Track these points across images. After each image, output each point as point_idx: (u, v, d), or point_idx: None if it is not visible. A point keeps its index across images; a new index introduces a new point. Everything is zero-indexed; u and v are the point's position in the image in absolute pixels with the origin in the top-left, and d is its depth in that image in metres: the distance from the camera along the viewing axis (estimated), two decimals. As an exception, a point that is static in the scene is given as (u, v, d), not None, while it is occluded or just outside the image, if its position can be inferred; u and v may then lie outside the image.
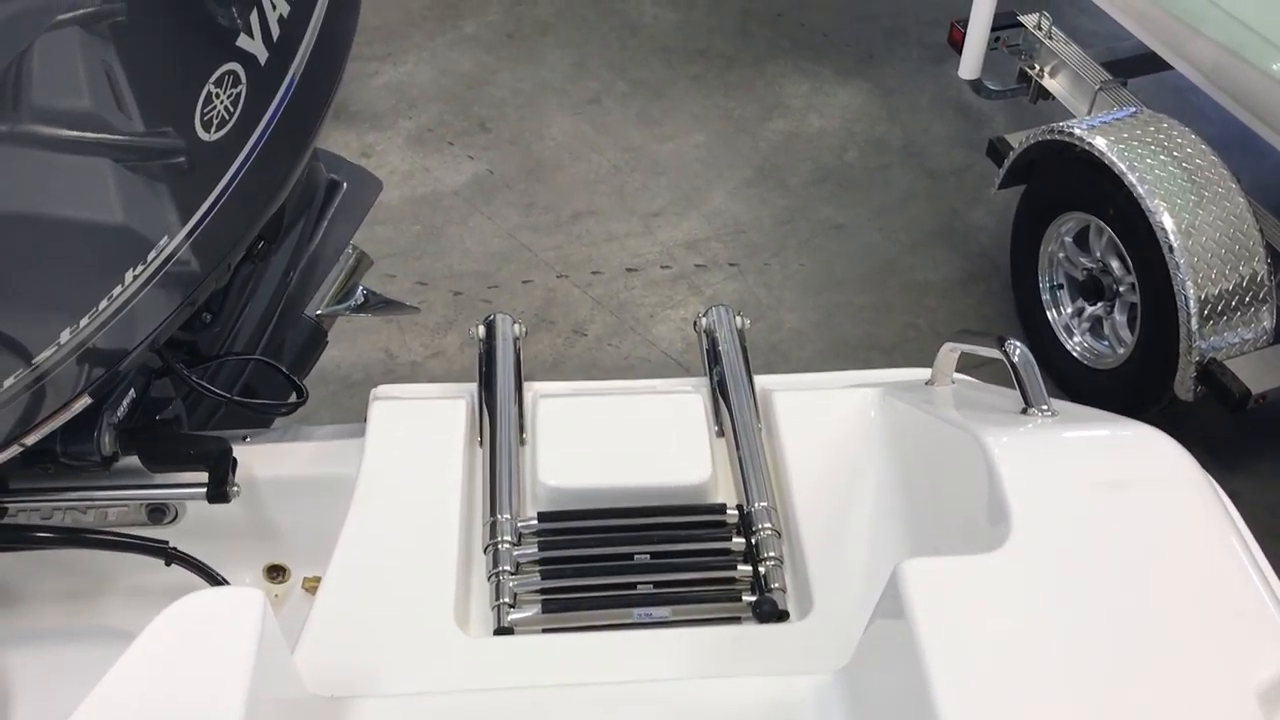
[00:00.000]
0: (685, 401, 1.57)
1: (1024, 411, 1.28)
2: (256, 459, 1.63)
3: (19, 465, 1.52)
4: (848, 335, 3.53)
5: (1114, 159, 2.91)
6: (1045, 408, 1.26)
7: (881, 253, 3.80)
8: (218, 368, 1.89)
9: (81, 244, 1.30)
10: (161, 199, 1.33)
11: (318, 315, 2.34)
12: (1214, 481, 1.18)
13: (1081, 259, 3.23)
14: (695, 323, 1.72)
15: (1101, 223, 3.08)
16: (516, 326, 1.68)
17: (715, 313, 1.70)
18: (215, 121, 1.34)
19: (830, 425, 1.53)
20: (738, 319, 1.69)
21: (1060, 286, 3.34)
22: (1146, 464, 1.17)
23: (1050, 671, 0.98)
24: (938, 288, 3.69)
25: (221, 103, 1.33)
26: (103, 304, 1.31)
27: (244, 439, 1.65)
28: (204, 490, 1.53)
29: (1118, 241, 3.03)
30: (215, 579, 1.56)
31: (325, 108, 1.58)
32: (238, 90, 1.37)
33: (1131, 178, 2.87)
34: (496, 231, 3.86)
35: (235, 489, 1.54)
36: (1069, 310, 3.34)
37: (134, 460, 1.59)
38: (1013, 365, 1.28)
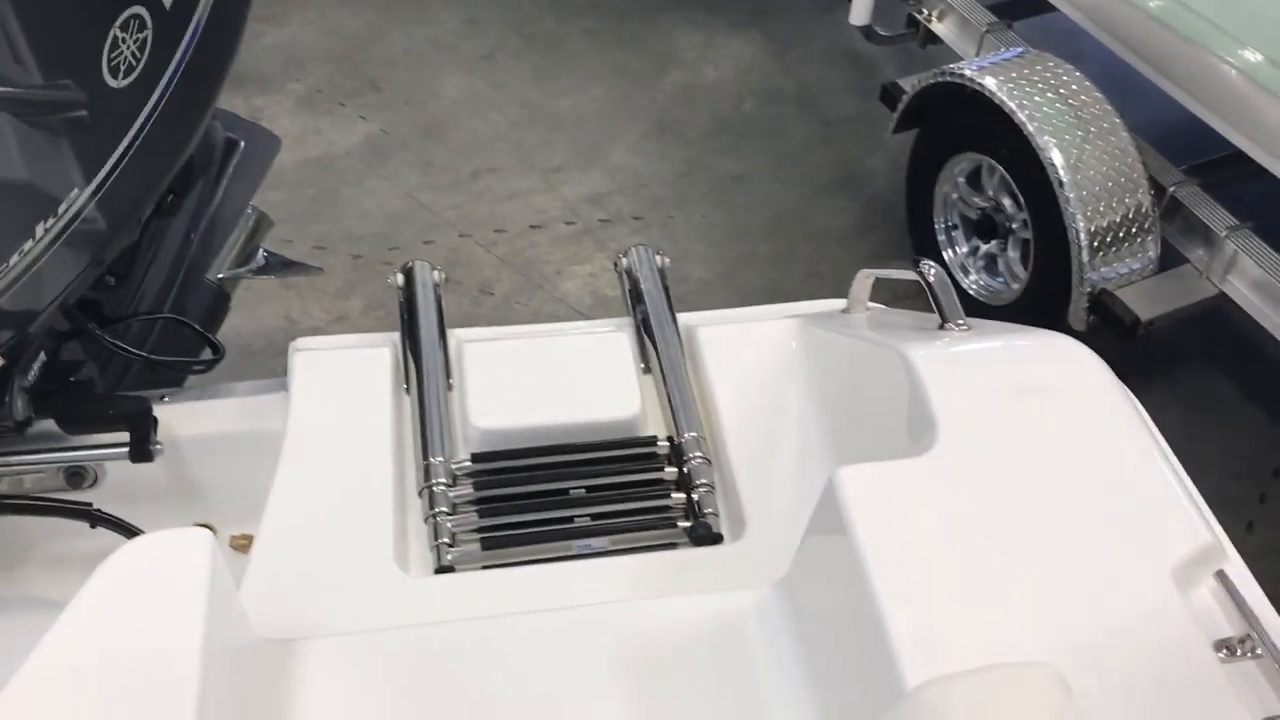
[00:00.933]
0: (611, 339, 1.59)
1: (941, 327, 1.33)
2: (176, 418, 1.60)
3: (-73, 433, 1.47)
4: (754, 284, 3.57)
5: (1003, 98, 3.00)
6: (961, 322, 1.31)
7: (782, 202, 3.86)
8: (125, 329, 1.84)
9: (-9, 198, 1.26)
10: (69, 150, 1.30)
11: (220, 278, 2.29)
12: (1120, 382, 1.25)
13: (975, 199, 3.32)
14: (616, 263, 1.73)
15: (993, 162, 3.17)
16: (436, 273, 1.67)
17: (636, 252, 1.72)
18: (123, 68, 1.30)
19: (753, 356, 1.57)
20: (658, 258, 1.71)
21: (955, 227, 3.43)
22: (1062, 368, 1.23)
23: (983, 562, 1.03)
24: (838, 234, 3.76)
25: (128, 48, 1.30)
26: (13, 260, 1.27)
27: (162, 398, 1.62)
28: (125, 450, 1.50)
29: (1009, 179, 3.12)
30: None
31: (231, 54, 1.55)
32: (144, 35, 1.33)
33: (1021, 115, 2.96)
34: (394, 192, 3.81)
35: (158, 447, 1.51)
36: (964, 249, 3.43)
37: (49, 425, 1.55)
38: (928, 284, 1.33)
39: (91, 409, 1.52)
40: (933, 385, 1.19)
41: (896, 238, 3.70)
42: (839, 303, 1.64)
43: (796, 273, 3.62)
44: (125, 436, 1.51)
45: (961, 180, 3.33)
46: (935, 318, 1.38)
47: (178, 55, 1.39)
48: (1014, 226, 3.21)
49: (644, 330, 1.62)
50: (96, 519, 1.52)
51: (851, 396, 1.44)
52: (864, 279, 1.52)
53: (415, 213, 3.75)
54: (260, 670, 1.11)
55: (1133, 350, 3.24)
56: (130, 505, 1.60)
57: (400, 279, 1.65)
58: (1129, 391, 1.24)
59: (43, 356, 1.51)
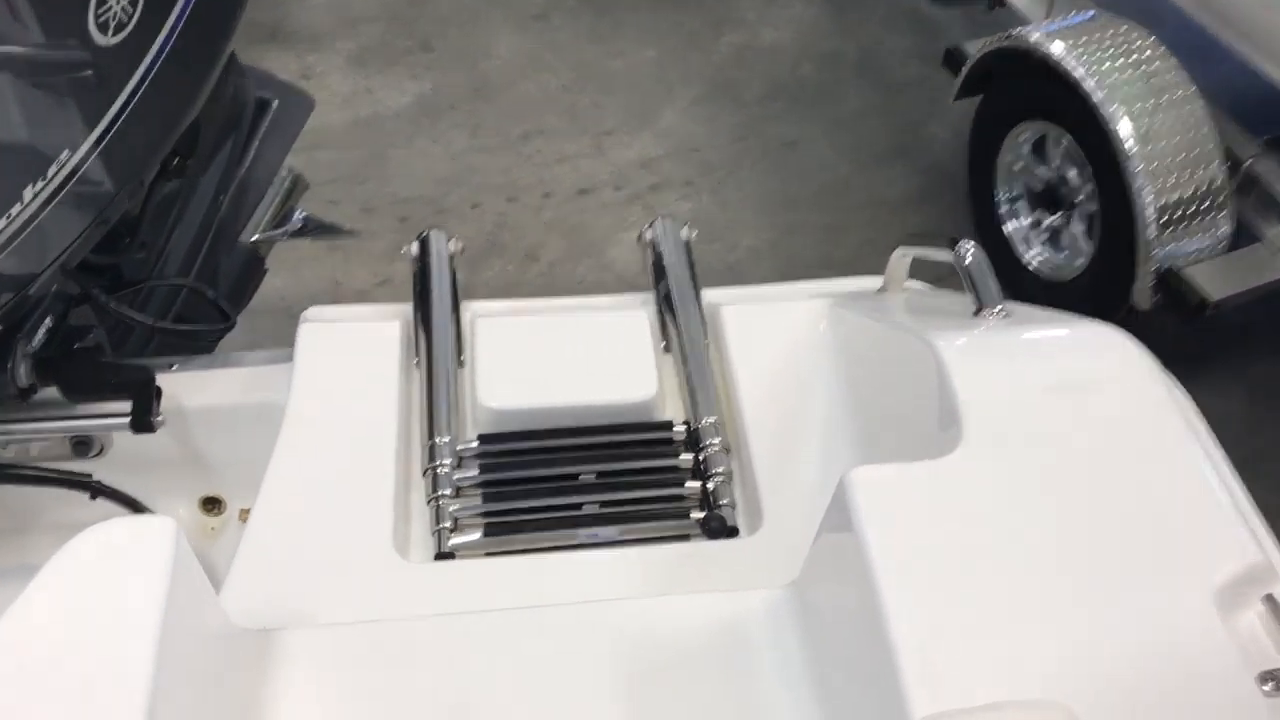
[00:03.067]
0: (630, 317, 1.51)
1: (976, 314, 1.23)
2: (184, 387, 1.56)
3: (-70, 397, 1.44)
4: (804, 254, 3.47)
5: (1071, 64, 2.85)
6: (999, 309, 1.22)
7: (837, 170, 3.73)
8: (148, 296, 1.81)
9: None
10: (59, 110, 1.25)
11: (254, 241, 2.25)
12: (1175, 380, 1.14)
13: (1039, 169, 3.18)
14: (640, 235, 1.65)
15: (1060, 131, 3.02)
16: (453, 242, 1.61)
17: (660, 225, 1.64)
18: (112, 24, 1.25)
19: (779, 338, 1.48)
20: (684, 230, 1.63)
21: (1018, 198, 3.29)
22: (1103, 364, 1.13)
23: (1003, 579, 0.94)
24: (894, 204, 3.64)
25: (118, 3, 1.24)
26: (0, 224, 1.23)
27: (170, 367, 1.58)
28: (128, 420, 1.46)
29: (1076, 149, 2.98)
30: (142, 511, 1.50)
31: (238, 10, 1.48)
32: (135, -10, 1.27)
33: (1089, 83, 2.81)
34: (443, 154, 3.76)
35: (160, 418, 1.47)
36: (1026, 222, 3.29)
37: (56, 393, 1.51)
38: (964, 268, 1.23)
39: (94, 377, 1.48)
40: (960, 380, 1.09)
41: (956, 207, 3.56)
42: (875, 281, 1.55)
43: (849, 243, 3.50)
44: (130, 406, 1.47)
45: (1026, 150, 3.19)
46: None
47: (176, 10, 1.33)
48: (1080, 199, 3.06)
49: (665, 307, 1.54)
50: (97, 490, 1.48)
51: (879, 387, 1.35)
52: (900, 258, 1.42)
53: (464, 175, 3.69)
54: (234, 661, 1.06)
55: (1197, 331, 3.09)
56: (138, 476, 1.56)
57: (415, 248, 1.59)
58: (1180, 388, 1.14)
59: (49, 322, 1.47)
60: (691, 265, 1.59)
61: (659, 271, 1.58)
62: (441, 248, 1.59)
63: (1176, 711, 0.86)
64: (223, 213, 2.30)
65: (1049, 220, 3.20)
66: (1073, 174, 3.04)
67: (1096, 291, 3.01)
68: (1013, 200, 3.29)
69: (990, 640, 0.90)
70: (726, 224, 3.52)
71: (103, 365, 1.52)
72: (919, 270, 1.55)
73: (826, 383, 1.42)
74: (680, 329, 1.50)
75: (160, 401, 1.48)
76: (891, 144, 3.80)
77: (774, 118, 3.88)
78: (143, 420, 1.45)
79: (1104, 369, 1.12)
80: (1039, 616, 0.92)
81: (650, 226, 1.64)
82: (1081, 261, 3.08)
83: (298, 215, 2.38)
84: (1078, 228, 3.11)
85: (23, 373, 1.42)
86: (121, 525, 0.98)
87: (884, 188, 3.67)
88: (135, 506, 1.50)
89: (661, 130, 3.84)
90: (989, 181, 3.30)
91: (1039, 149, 3.16)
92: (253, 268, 2.28)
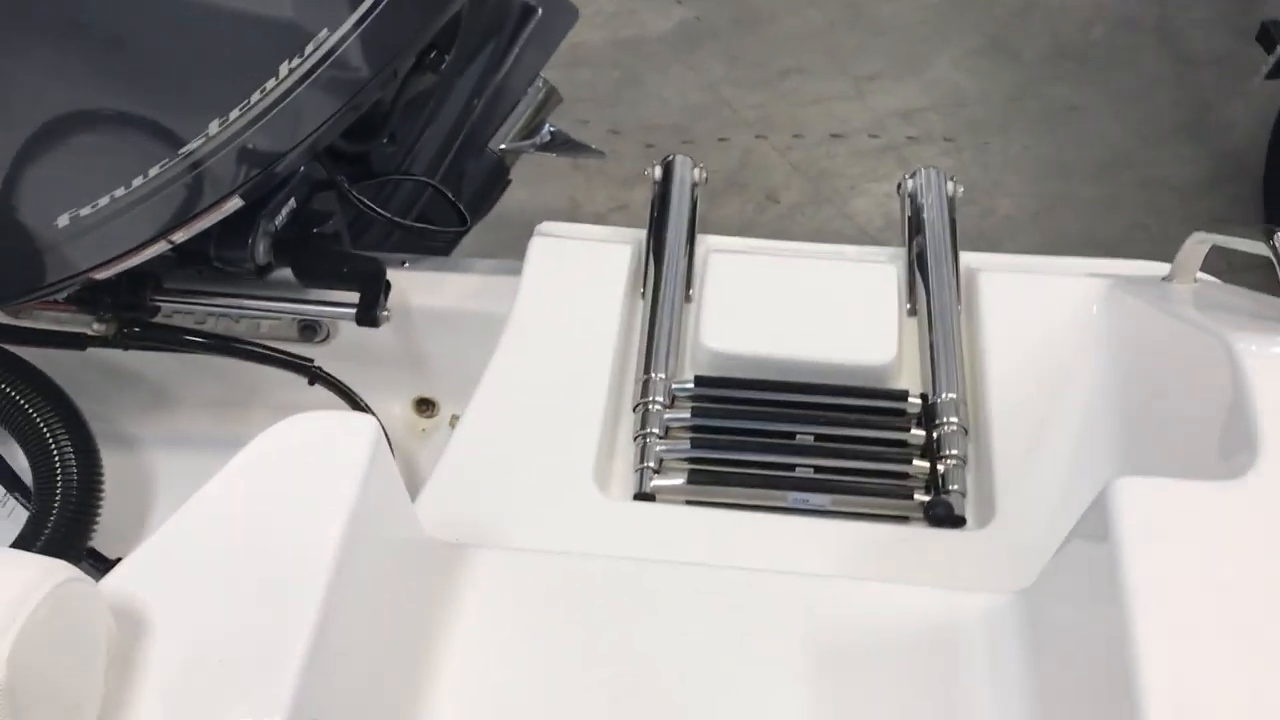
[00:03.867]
0: (877, 272, 1.39)
1: (1290, 315, 1.06)
2: (414, 286, 1.55)
3: (174, 266, 1.48)
4: (1067, 229, 3.21)
5: None
6: (1329, 321, 1.04)
7: (1118, 143, 3.44)
8: (391, 191, 1.81)
9: (233, 30, 1.20)
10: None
11: (502, 149, 2.23)
12: None
13: (1354, 167, 2.83)
14: (899, 185, 1.52)
15: (1386, 126, 2.67)
16: (697, 171, 1.52)
17: (924, 175, 1.50)
18: (383, -96, 1.21)
19: (1043, 315, 1.33)
20: (949, 184, 1.49)
21: (1323, 200, 2.95)
22: None
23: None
24: (1176, 187, 3.32)
25: (392, -116, 1.20)
26: (255, 97, 1.22)
27: (403, 264, 1.57)
28: (354, 311, 1.45)
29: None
30: (357, 403, 1.50)
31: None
32: None
33: None
34: (698, 83, 3.67)
35: (386, 314, 1.46)
36: (1329, 226, 2.94)
37: (290, 276, 1.53)
38: (1276, 254, 1.05)
39: (327, 263, 1.48)
40: (1263, 391, 0.93)
41: (1246, 199, 3.22)
42: (1162, 268, 1.37)
43: (1119, 223, 3.22)
44: (357, 297, 1.46)
45: (1341, 144, 2.84)
46: (1285, 305, 1.11)
47: (447, -102, 1.28)
48: (1398, 207, 2.71)
49: (918, 266, 1.41)
50: (316, 376, 1.49)
51: (1154, 385, 1.19)
52: (1197, 244, 1.25)
53: (715, 107, 3.60)
54: (420, 569, 1.03)
55: None
56: (358, 367, 1.57)
57: (658, 172, 1.51)
58: None
59: (292, 204, 1.48)
60: (953, 224, 1.45)
61: (915, 226, 1.45)
62: (686, 175, 1.51)
63: None
64: (475, 117, 2.29)
65: (1357, 226, 2.85)
66: (1395, 176, 2.69)
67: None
68: (1317, 202, 2.95)
69: (1254, 691, 0.76)
70: (986, 187, 3.29)
71: (337, 253, 1.52)
72: (1210, 263, 1.37)
73: (1093, 374, 1.26)
74: (930, 291, 1.37)
75: (388, 297, 1.47)
76: (1183, 121, 3.46)
77: (1055, 79, 3.60)
78: (369, 313, 1.44)
79: None
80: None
81: (912, 176, 1.51)
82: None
83: (547, 129, 2.35)
84: (1391, 238, 2.76)
85: (261, 250, 1.43)
86: (326, 419, 0.95)
87: (1168, 168, 3.35)
88: (350, 397, 1.50)
89: (929, 80, 3.62)
90: (1291, 176, 2.97)
91: (1359, 144, 2.81)
92: (497, 176, 2.26)
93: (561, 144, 2.40)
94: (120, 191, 1.21)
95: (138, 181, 1.21)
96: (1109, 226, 3.22)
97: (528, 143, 2.32)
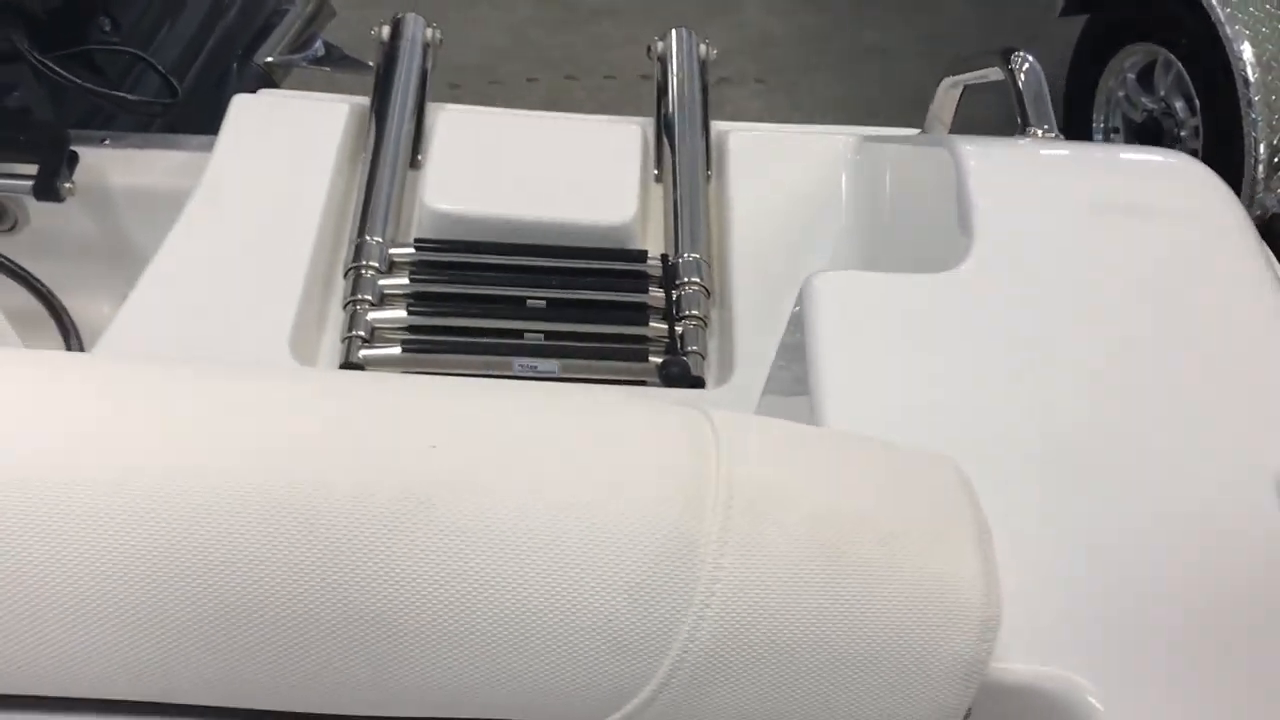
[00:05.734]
0: (621, 134, 1.29)
1: (1021, 132, 0.98)
2: (114, 164, 1.37)
3: None
4: (873, 166, 3.20)
5: (1196, -23, 2.53)
6: (1047, 128, 0.97)
7: (922, 81, 3.42)
8: (94, 65, 1.61)
9: None
10: None
11: (267, 62, 2.06)
12: (1250, 220, 0.88)
13: (1143, 99, 2.88)
14: (649, 49, 1.42)
15: (1170, 56, 2.72)
16: (430, 31, 1.39)
17: (675, 35, 1.40)
18: None
19: (793, 173, 1.25)
20: (702, 47, 1.39)
21: (1116, 130, 2.99)
22: (1169, 188, 0.87)
23: (975, 424, 0.71)
24: (979, 125, 3.31)
25: None
26: None
27: (102, 141, 1.39)
28: (30, 184, 1.28)
29: (1185, 76, 2.67)
30: (46, 298, 1.32)
31: None
32: None
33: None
34: (503, 23, 3.54)
35: (69, 185, 1.28)
36: (1122, 157, 2.99)
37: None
38: (1013, 77, 0.98)
39: (6, 129, 1.30)
40: (978, 185, 0.85)
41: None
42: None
43: (924, 161, 3.23)
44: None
45: (1131, 76, 2.88)
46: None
47: None
48: (1183, 134, 2.75)
49: (664, 129, 1.31)
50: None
51: (898, 221, 1.11)
52: (948, 89, 1.18)
53: (521, 49, 3.48)
54: None
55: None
56: (55, 261, 1.38)
57: (385, 31, 1.38)
58: (1263, 245, 0.88)
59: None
60: (705, 88, 1.35)
61: (663, 90, 1.35)
62: (418, 34, 1.38)
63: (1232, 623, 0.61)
64: (229, 20, 2.11)
65: (1147, 156, 2.90)
66: (1180, 106, 2.74)
67: (1190, 236, 2.71)
68: (1110, 131, 2.99)
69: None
70: (798, 124, 3.26)
71: (14, 121, 1.33)
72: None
73: (841, 223, 1.18)
74: (676, 153, 1.27)
75: (73, 169, 1.30)
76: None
77: (862, 23, 3.59)
78: (49, 183, 1.26)
79: (1169, 193, 0.86)
80: (1033, 466, 0.68)
81: (662, 39, 1.41)
82: (1177, 203, 2.78)
83: (319, 42, 2.19)
84: (1178, 166, 2.81)
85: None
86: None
87: (971, 107, 3.34)
88: (41, 294, 1.32)
89: (738, 22, 3.57)
90: (1087, 109, 3.00)
91: (1145, 77, 2.86)
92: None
93: (336, 59, 2.24)
94: None
95: None
96: (914, 163, 3.22)
97: (299, 55, 2.15)
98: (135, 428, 0.53)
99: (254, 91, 2.11)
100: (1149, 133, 2.86)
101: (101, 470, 0.51)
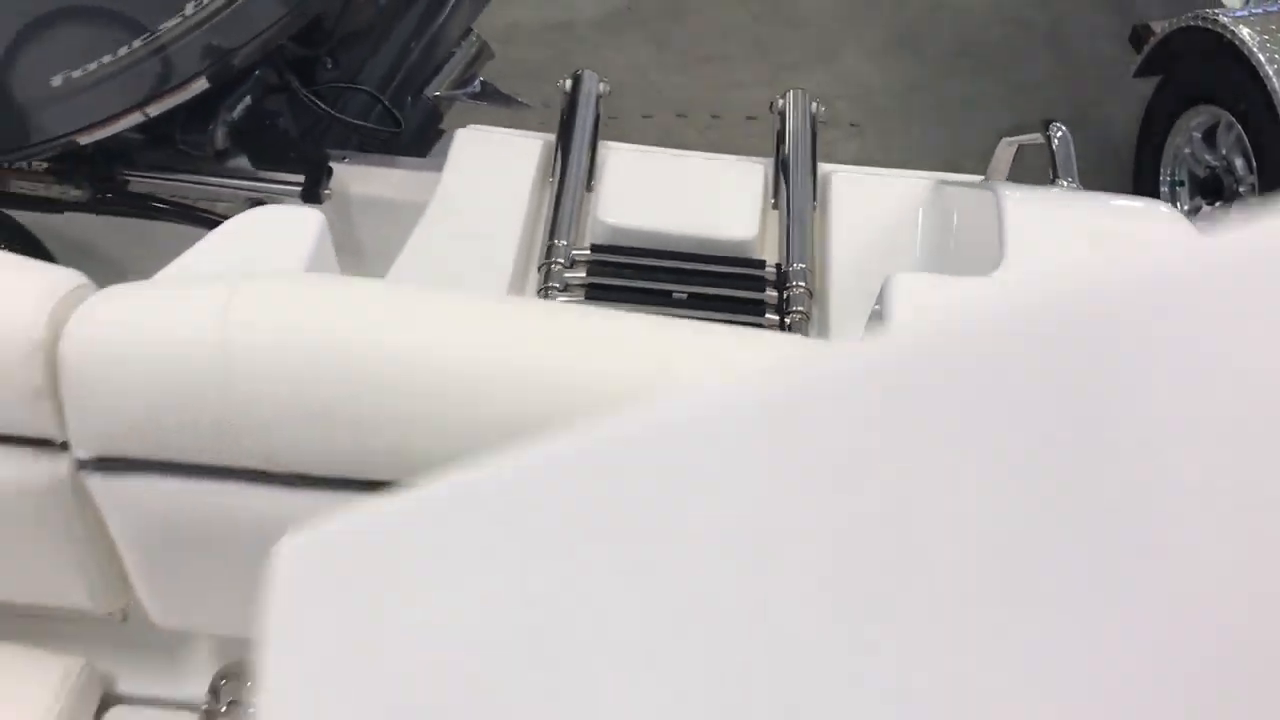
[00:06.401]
0: (747, 170, 1.66)
1: (1051, 182, 1.33)
2: (351, 177, 1.77)
3: (144, 149, 1.69)
4: (956, 206, 3.52)
5: (1253, 48, 2.83)
6: (1070, 179, 1.31)
7: (1008, 132, 3.75)
8: (333, 101, 2.03)
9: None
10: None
11: (436, 96, 2.47)
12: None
13: (1206, 155, 3.16)
14: (771, 104, 1.79)
15: (1231, 118, 3.00)
16: (602, 85, 1.78)
17: (792, 96, 1.77)
18: None
19: (881, 205, 1.60)
20: (814, 105, 1.76)
21: (1181, 183, 3.27)
22: (1141, 223, 1.22)
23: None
24: (1026, 174, 3.65)
25: None
26: None
27: (343, 159, 1.80)
28: (299, 190, 1.68)
29: (1244, 138, 2.95)
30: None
31: None
32: None
33: (1269, 69, 2.79)
34: (625, 65, 3.93)
35: (328, 192, 1.69)
36: (1186, 208, 3.27)
37: (244, 163, 1.75)
38: (1049, 142, 1.33)
39: (278, 148, 1.71)
40: (1013, 220, 1.20)
41: (1120, 185, 3.55)
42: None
43: (1004, 204, 3.54)
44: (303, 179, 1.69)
45: (1197, 135, 3.16)
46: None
47: None
48: (1241, 190, 3.03)
49: (781, 170, 1.67)
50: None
51: (957, 244, 1.46)
52: (1005, 147, 1.53)
53: (640, 88, 3.86)
54: None
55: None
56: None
57: (568, 84, 1.77)
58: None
59: (248, 100, 1.70)
60: (814, 136, 1.72)
61: (781, 138, 1.72)
62: (591, 88, 1.76)
63: None
64: (412, 60, 2.52)
65: (1208, 208, 3.18)
66: (1239, 163, 3.01)
67: (1243, 282, 2.98)
68: (1176, 184, 3.27)
69: None
70: (889, 168, 3.59)
71: (288, 140, 1.74)
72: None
73: (915, 245, 1.54)
74: (790, 188, 1.64)
75: (330, 180, 1.70)
76: (1067, 115, 3.76)
77: (954, 74, 3.92)
78: (313, 191, 1.67)
79: (1144, 226, 1.21)
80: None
81: (782, 97, 1.78)
82: (1233, 251, 3.05)
83: (478, 81, 2.59)
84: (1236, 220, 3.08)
85: (220, 136, 1.65)
86: (279, 209, 1.18)
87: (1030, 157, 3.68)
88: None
89: (839, 71, 3.92)
90: (1155, 162, 3.28)
91: (1209, 136, 3.13)
92: (432, 121, 2.50)
93: (491, 95, 2.64)
94: (108, 58, 1.43)
95: (123, 51, 1.43)
96: (994, 206, 3.53)
97: (461, 91, 2.56)
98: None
99: (424, 119, 2.53)
100: (1211, 187, 3.15)
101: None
